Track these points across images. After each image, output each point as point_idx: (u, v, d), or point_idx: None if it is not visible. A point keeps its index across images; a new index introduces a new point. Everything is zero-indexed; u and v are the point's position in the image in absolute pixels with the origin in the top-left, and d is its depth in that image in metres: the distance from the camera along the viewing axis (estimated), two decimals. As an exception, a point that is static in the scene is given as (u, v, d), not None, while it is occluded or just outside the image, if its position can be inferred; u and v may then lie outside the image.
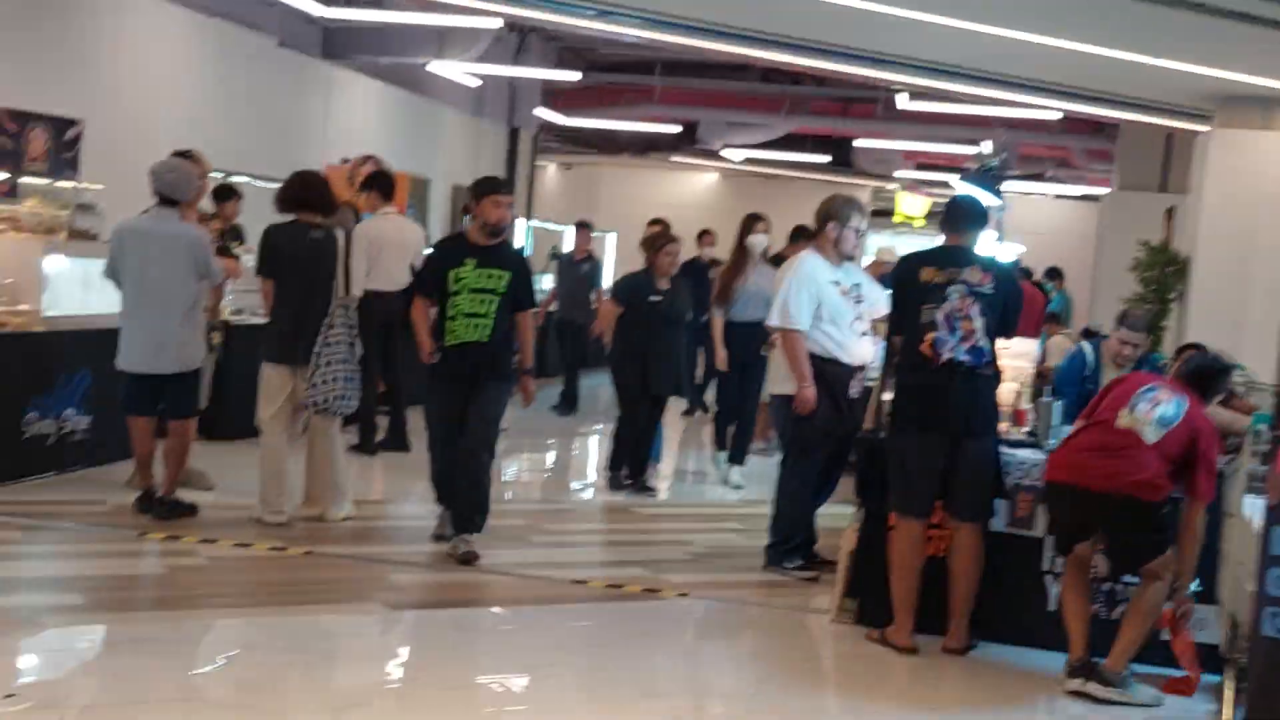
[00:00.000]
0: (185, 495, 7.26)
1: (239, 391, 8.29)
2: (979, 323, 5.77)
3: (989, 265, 5.96)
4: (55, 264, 7.79)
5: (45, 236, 7.85)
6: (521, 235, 16.99)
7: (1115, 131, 15.35)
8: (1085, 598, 5.61)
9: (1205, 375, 5.66)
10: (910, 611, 5.84)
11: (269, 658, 5.16)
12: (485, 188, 6.76)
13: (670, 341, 8.87)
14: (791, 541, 7.02)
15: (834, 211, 6.85)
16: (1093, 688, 5.40)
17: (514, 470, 9.91)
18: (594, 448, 11.30)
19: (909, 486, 5.89)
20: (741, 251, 9.25)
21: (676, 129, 20.16)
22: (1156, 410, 5.36)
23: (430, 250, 8.31)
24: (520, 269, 6.83)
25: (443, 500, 6.91)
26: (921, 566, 5.85)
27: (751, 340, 8.72)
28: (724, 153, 21.22)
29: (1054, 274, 16.11)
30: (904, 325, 5.96)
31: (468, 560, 6.56)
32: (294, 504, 7.21)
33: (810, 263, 6.84)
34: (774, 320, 6.84)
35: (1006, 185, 22.27)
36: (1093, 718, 5.30)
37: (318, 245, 7.04)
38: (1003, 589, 5.97)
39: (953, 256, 5.92)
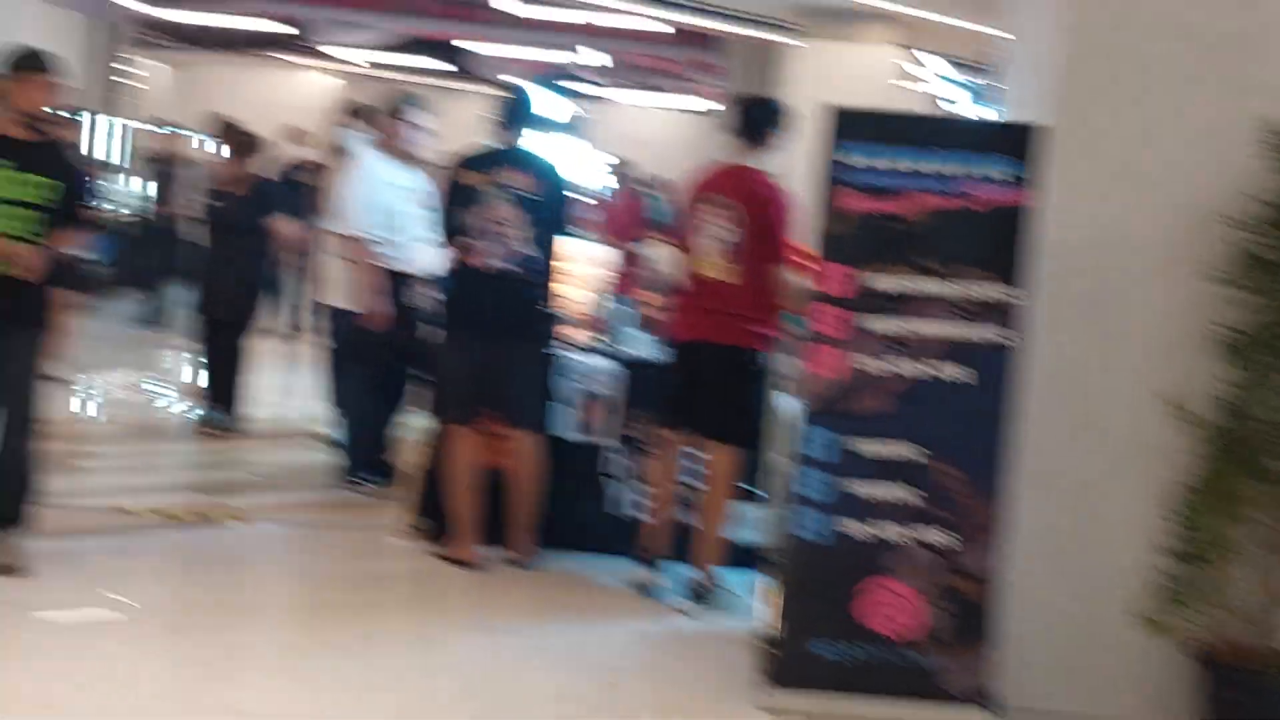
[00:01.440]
0: None
1: None
2: (519, 227, 5.56)
3: (533, 167, 5.69)
4: None
5: None
6: (110, 137, 15.79)
7: (724, 47, 15.57)
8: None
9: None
10: (468, 522, 5.64)
11: None
12: (28, 63, 5.02)
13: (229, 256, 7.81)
14: (361, 457, 6.70)
15: (390, 106, 6.50)
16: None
17: (84, 386, 9.15)
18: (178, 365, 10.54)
19: (451, 392, 5.70)
20: (337, 150, 7.86)
21: (286, 29, 19.18)
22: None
23: None
24: (72, 177, 5.16)
25: None
26: (474, 475, 5.64)
27: None
28: (345, 54, 20.42)
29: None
30: (448, 229, 5.70)
31: (7, 571, 4.93)
32: None
33: (369, 162, 6.47)
34: (330, 224, 6.46)
35: (616, 95, 22.50)
36: (647, 623, 5.25)
37: None
38: (566, 497, 5.86)
39: (494, 159, 5.68)
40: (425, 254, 6.47)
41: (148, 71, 21.48)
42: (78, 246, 5.42)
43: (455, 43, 19.36)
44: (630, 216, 9.51)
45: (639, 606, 5.41)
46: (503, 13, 15.73)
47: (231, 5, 18.31)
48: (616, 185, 10.12)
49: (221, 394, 7.85)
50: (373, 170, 6.41)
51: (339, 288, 6.55)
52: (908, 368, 4.43)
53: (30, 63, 5.05)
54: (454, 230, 5.64)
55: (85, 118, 14.18)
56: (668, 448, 5.56)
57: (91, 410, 8.97)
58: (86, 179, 5.60)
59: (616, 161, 10.25)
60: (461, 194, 5.61)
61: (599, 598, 5.48)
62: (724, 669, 4.71)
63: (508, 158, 5.66)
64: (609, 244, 8.75)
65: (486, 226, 5.52)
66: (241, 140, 8.09)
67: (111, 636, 4.54)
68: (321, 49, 20.24)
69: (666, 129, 21.75)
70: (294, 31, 19.81)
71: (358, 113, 7.63)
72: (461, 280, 5.66)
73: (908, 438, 4.41)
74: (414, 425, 6.51)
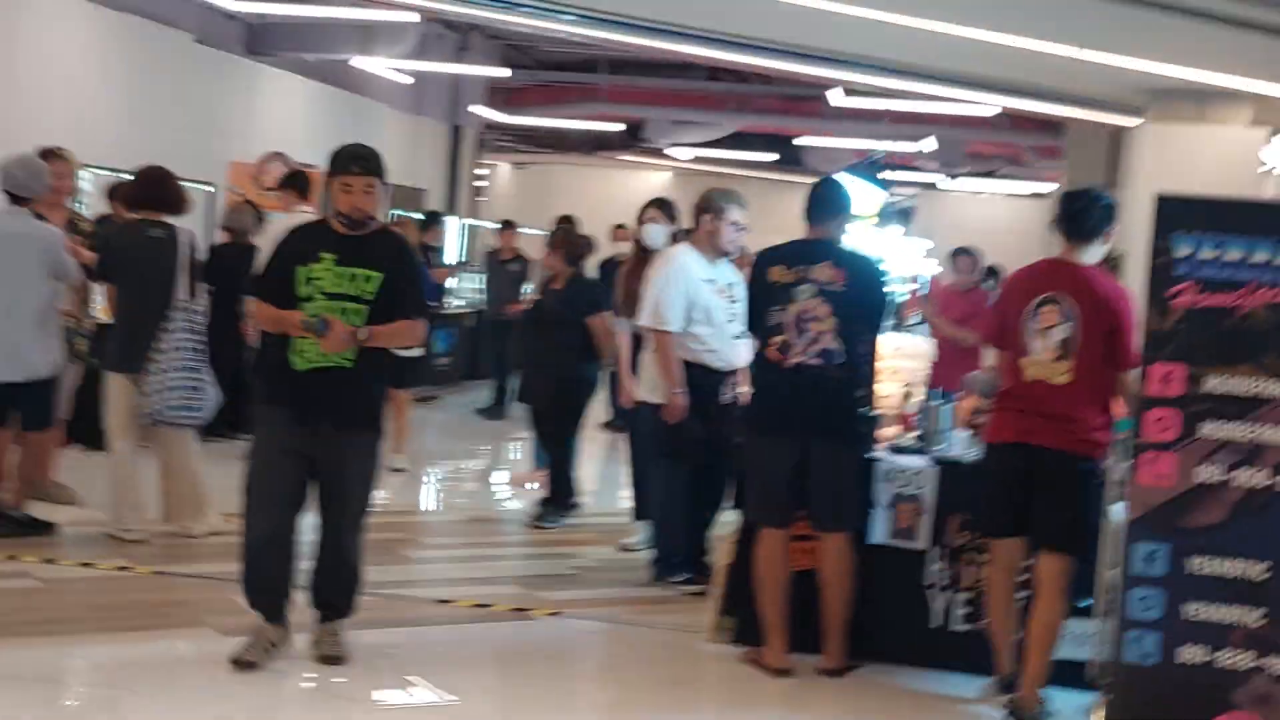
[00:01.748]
0: (50, 512, 6.90)
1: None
2: (829, 323, 5.41)
3: (844, 260, 5.53)
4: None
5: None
6: (455, 236, 16.66)
7: (1063, 128, 15.06)
8: (1011, 602, 5.24)
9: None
10: (780, 629, 5.49)
11: (63, 692, 4.81)
12: (335, 165, 4.91)
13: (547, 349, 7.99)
14: (677, 555, 6.69)
15: (709, 203, 6.50)
16: None
17: (420, 477, 9.58)
18: (513, 456, 10.87)
19: (762, 494, 5.58)
20: (637, 246, 7.82)
21: (622, 127, 19.90)
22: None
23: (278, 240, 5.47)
24: (399, 267, 5.00)
25: (253, 599, 5.05)
26: (787, 580, 5.50)
27: None
28: (671, 151, 20.98)
29: (992, 272, 15.78)
30: (756, 327, 5.63)
31: (335, 661, 5.04)
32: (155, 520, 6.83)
33: (682, 258, 6.49)
34: (644, 320, 6.50)
35: (951, 183, 22.08)
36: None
37: (156, 244, 6.61)
38: (884, 606, 5.65)
39: (804, 252, 5.54)
40: (738, 350, 6.45)
41: (491, 172, 22.66)
42: (407, 341, 5.32)
43: (795, 139, 19.54)
44: (970, 307, 9.17)
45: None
46: (840, 107, 15.80)
47: (581, 109, 19.17)
48: (956, 275, 9.79)
49: (551, 486, 8.04)
50: (684, 267, 6.44)
51: (655, 384, 6.58)
52: (1248, 477, 4.04)
53: (338, 163, 4.90)
54: (761, 327, 5.57)
55: (445, 220, 14.99)
56: (999, 556, 5.28)
57: (429, 501, 9.35)
58: (421, 275, 5.42)
59: (959, 250, 9.89)
60: (769, 290, 5.53)
61: (914, 712, 5.21)
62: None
63: (817, 251, 5.52)
64: (953, 336, 8.51)
65: (795, 323, 5.43)
66: (567, 238, 8.40)
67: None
68: (655, 146, 20.81)
69: (1004, 215, 21.13)
70: (628, 130, 20.53)
71: (663, 207, 7.68)
72: (770, 378, 5.55)
73: (1249, 554, 4.01)
74: (727, 523, 6.43)
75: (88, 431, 7.64)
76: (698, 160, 22.27)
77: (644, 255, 7.41)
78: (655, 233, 7.46)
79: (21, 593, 5.82)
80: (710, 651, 5.75)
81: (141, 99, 12.24)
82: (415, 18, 13.08)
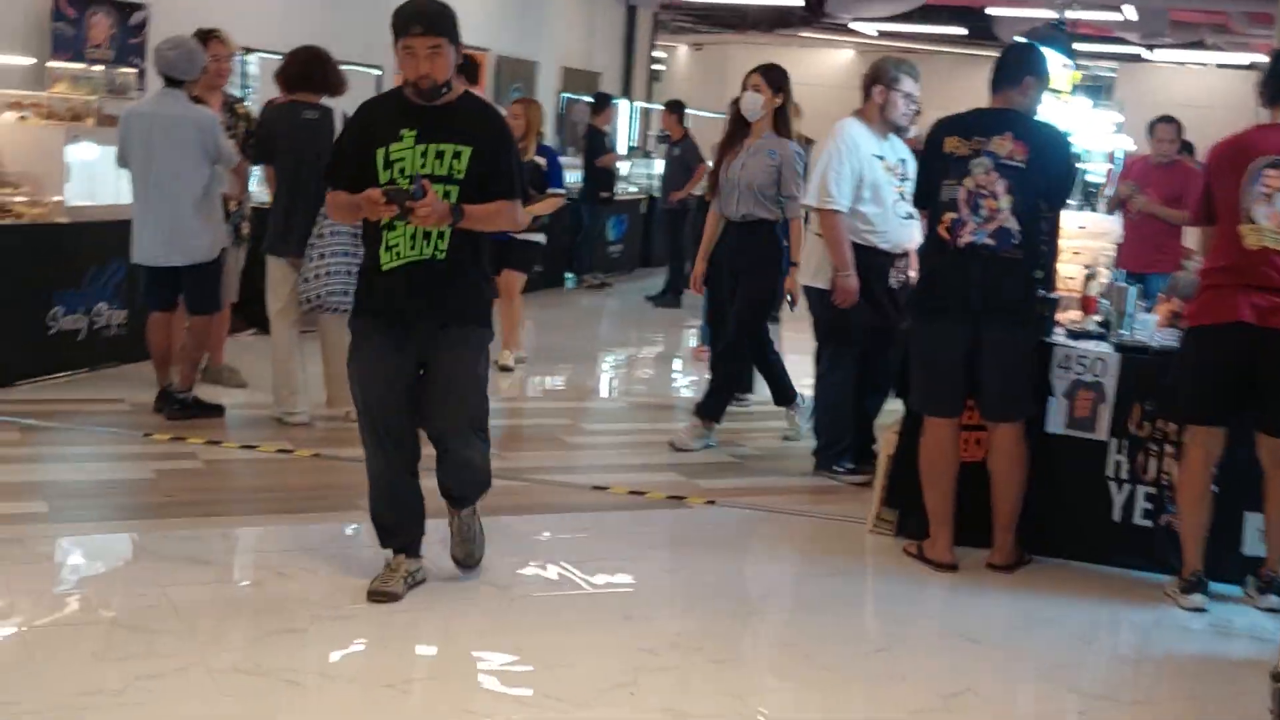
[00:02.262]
0: (217, 394, 7.00)
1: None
2: (1005, 200, 4.99)
3: (1026, 131, 5.06)
4: (82, 152, 7.50)
5: (69, 123, 7.54)
6: (625, 119, 16.39)
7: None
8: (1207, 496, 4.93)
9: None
10: (945, 522, 5.21)
11: (223, 573, 4.83)
12: (395, 26, 4.20)
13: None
14: (841, 443, 6.43)
15: (880, 73, 6.09)
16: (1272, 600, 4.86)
17: (587, 363, 9.48)
18: (688, 344, 10.66)
19: (928, 381, 5.25)
20: (734, 115, 6.89)
21: (802, 2, 19.23)
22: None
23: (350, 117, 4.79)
24: (489, 140, 4.32)
25: (384, 538, 4.61)
26: (955, 472, 5.20)
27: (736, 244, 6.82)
28: (855, 26, 20.18)
29: (1186, 147, 14.78)
30: (927, 203, 5.24)
31: (466, 565, 4.73)
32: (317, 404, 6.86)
33: (852, 131, 6.10)
34: (810, 199, 6.16)
35: (1162, 54, 20.78)
36: (1167, 636, 4.64)
37: (310, 126, 6.50)
38: (1060, 499, 5.32)
39: (983, 123, 5.10)
40: (907, 230, 6.10)
41: (669, 55, 22.23)
42: (503, 225, 4.50)
43: (987, 8, 18.61)
44: (1173, 183, 8.53)
45: (1136, 622, 4.81)
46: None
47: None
48: (1155, 145, 9.11)
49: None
50: (854, 141, 6.07)
51: (816, 266, 6.28)
52: None
53: (400, 25, 4.18)
54: (933, 203, 5.19)
55: (615, 103, 14.74)
56: (1199, 446, 4.89)
57: (594, 387, 9.25)
58: (513, 148, 4.49)
59: (1160, 119, 9.14)
60: (943, 163, 5.14)
61: (1089, 611, 4.90)
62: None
63: (999, 121, 5.08)
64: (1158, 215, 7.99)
65: (969, 199, 5.04)
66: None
67: (575, 609, 4.52)
68: (838, 22, 20.07)
69: (1213, 88, 19.84)
70: (811, 6, 19.82)
71: (767, 74, 6.76)
72: (939, 259, 5.19)
73: None
74: (892, 412, 6.15)
75: (256, 315, 7.71)
76: (883, 35, 21.43)
77: (739, 127, 6.82)
78: (753, 102, 6.71)
79: (187, 473, 5.88)
80: (872, 543, 5.52)
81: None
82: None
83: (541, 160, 8.45)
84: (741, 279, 6.76)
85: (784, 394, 7.20)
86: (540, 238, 8.50)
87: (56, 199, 7.37)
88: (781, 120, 6.70)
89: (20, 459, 5.95)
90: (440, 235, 4.26)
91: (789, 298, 6.75)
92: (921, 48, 21.29)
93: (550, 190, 8.41)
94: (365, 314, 4.41)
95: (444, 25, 4.20)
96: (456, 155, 4.24)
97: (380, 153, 4.24)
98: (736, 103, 6.80)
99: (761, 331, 6.97)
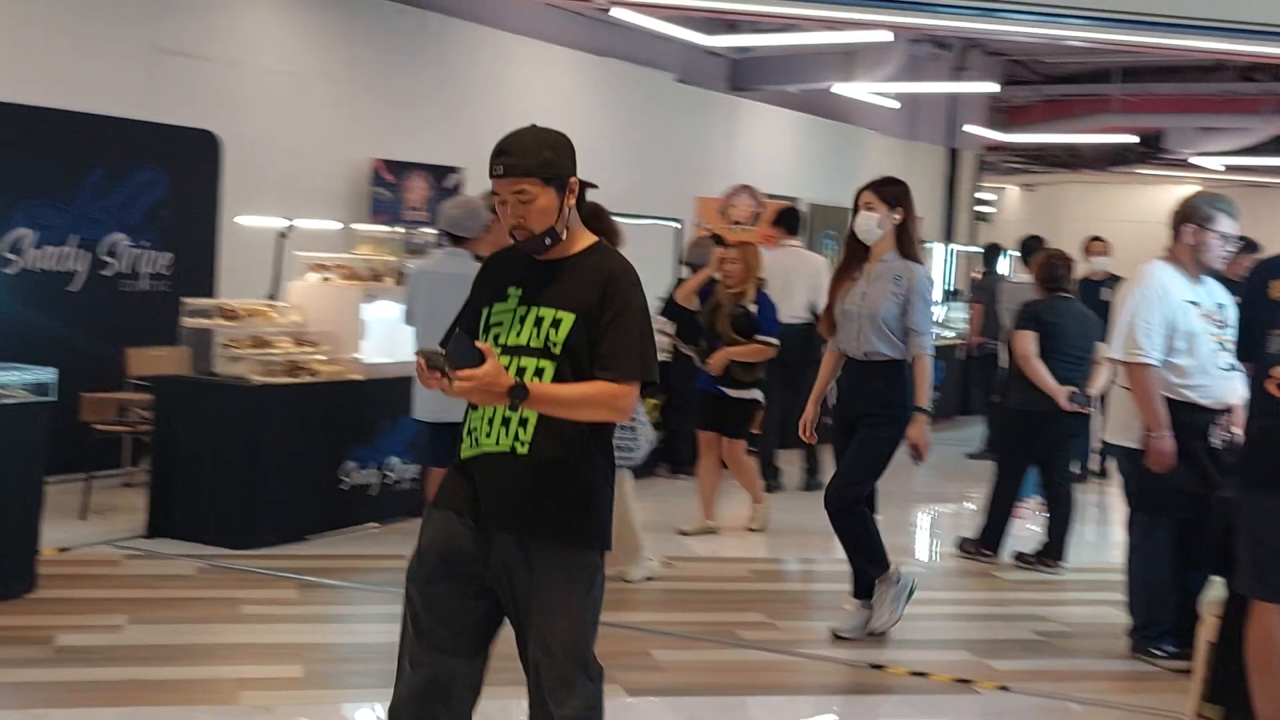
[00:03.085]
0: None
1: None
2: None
3: None
4: (378, 310, 7.69)
5: (366, 283, 7.77)
6: (940, 263, 15.89)
7: None
8: None
9: None
10: (1279, 726, 4.45)
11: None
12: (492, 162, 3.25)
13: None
14: (1160, 623, 5.70)
15: (1192, 210, 5.48)
16: None
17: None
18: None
19: (1257, 560, 4.50)
20: (850, 241, 5.96)
21: (1134, 139, 18.38)
22: None
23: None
24: (601, 305, 3.20)
25: None
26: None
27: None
28: (1198, 161, 19.08)
29: None
30: (1252, 354, 4.57)
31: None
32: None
33: (1161, 276, 5.50)
34: (1116, 352, 5.56)
35: None
36: None
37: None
38: None
39: None
40: (1229, 384, 5.41)
41: (999, 195, 21.61)
42: (588, 414, 3.16)
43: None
44: None
45: None
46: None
47: (1088, 122, 17.95)
48: None
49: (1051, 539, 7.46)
50: (1163, 287, 5.47)
51: (1124, 422, 5.66)
52: None
53: (494, 156, 3.22)
54: (1259, 355, 4.52)
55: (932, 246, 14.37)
56: None
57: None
58: (635, 315, 3.22)
59: None
60: (1269, 310, 4.49)
61: None
62: None
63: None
64: None
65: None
66: (1046, 261, 7.66)
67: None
68: (1178, 158, 19.07)
69: None
70: (1148, 142, 18.96)
71: (880, 190, 5.78)
72: (1269, 419, 4.47)
73: None
74: (1212, 591, 5.39)
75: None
76: (1230, 170, 20.20)
77: (855, 252, 5.87)
78: (867, 221, 5.76)
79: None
80: (1194, 746, 4.79)
81: (620, 139, 12.47)
82: (892, 38, 12.56)
83: (754, 307, 7.99)
84: (860, 426, 5.85)
85: (865, 583, 5.94)
86: (756, 394, 7.94)
87: (353, 356, 7.55)
88: (905, 240, 5.82)
89: (289, 618, 5.94)
90: (523, 422, 3.20)
91: (914, 450, 5.79)
92: (1273, 181, 19.97)
93: (757, 337, 7.87)
94: (436, 506, 3.35)
95: (531, 164, 3.20)
96: (555, 324, 3.21)
97: (485, 312, 3.33)
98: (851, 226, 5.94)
99: (869, 494, 5.89)
